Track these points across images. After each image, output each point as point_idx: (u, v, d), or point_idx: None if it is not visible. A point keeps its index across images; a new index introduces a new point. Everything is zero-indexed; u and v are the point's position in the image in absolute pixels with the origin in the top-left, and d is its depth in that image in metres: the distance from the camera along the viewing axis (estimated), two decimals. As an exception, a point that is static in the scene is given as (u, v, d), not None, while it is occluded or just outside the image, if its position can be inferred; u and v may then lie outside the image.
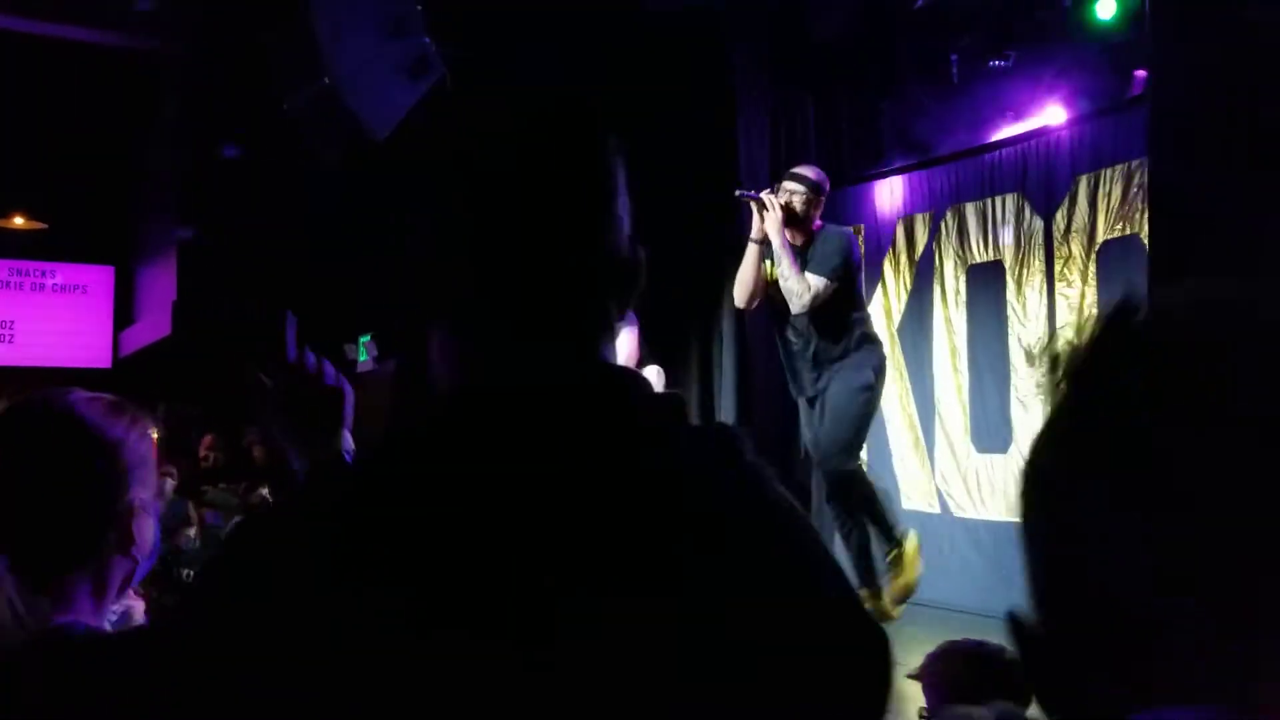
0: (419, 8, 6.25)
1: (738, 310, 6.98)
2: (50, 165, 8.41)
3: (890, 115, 6.79)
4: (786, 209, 4.72)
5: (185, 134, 7.64)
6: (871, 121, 6.90)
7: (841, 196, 6.68)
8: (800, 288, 4.65)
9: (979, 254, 6.06)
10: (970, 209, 6.10)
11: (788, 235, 4.71)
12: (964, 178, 6.17)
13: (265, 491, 7.00)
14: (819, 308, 4.67)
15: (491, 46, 6.73)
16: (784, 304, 4.77)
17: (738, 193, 4.98)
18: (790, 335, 4.89)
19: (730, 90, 6.86)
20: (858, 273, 4.91)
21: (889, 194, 6.62)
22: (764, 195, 4.79)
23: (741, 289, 4.91)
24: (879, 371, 4.80)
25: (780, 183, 4.88)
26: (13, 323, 9.39)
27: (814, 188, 4.82)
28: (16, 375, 9.51)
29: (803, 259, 4.71)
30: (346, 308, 7.65)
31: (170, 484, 7.45)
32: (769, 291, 4.86)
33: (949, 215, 6.22)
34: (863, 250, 5.60)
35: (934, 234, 6.31)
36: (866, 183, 6.75)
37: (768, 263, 4.82)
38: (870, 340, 4.85)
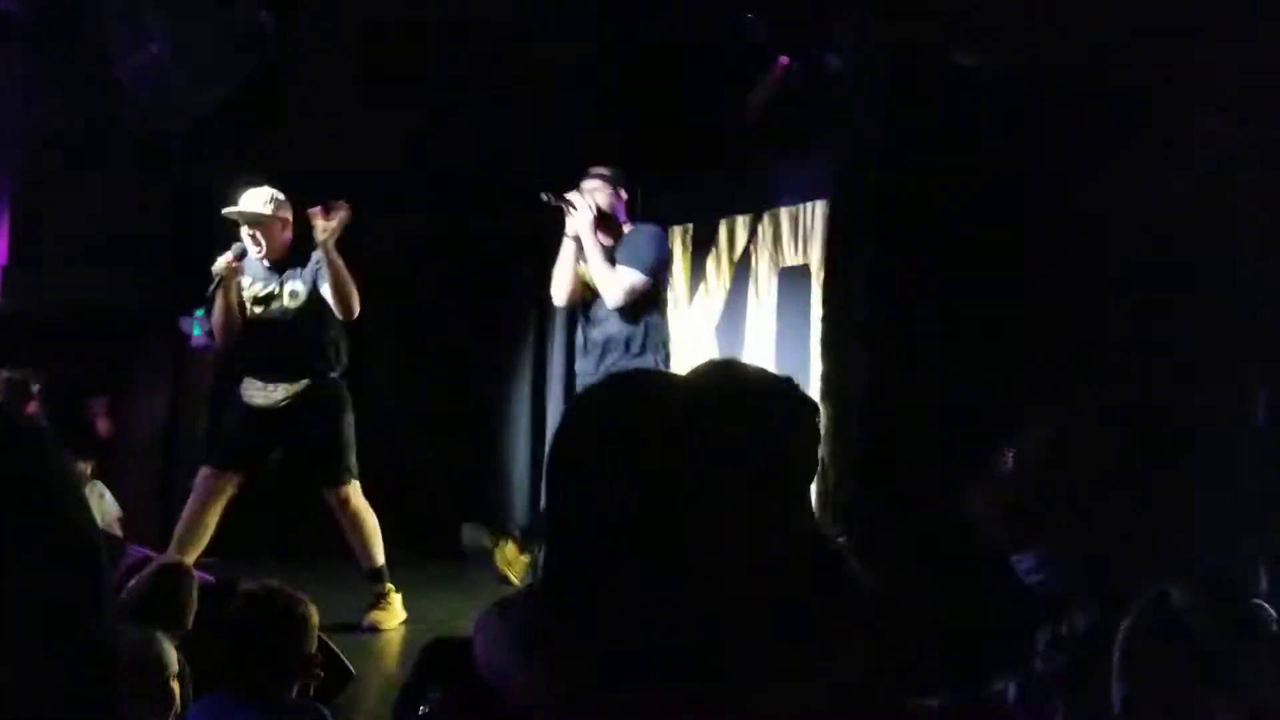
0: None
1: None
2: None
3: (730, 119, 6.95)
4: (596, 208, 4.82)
5: (26, 96, 7.52)
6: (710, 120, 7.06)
7: (673, 195, 6.85)
8: (611, 279, 4.73)
9: (791, 257, 6.26)
10: (784, 213, 6.30)
11: (600, 236, 4.80)
12: (781, 181, 6.36)
13: (85, 465, 6.93)
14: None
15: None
16: (590, 300, 4.89)
17: (543, 196, 4.98)
18: (585, 328, 5.00)
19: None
20: (664, 270, 5.05)
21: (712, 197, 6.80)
22: (569, 195, 4.86)
23: (558, 286, 4.98)
24: None
25: (581, 183, 4.98)
26: None
27: (612, 181, 4.94)
28: None
29: (614, 256, 4.80)
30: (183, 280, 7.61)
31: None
32: (583, 291, 4.94)
33: (766, 218, 6.42)
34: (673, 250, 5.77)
35: (752, 235, 6.50)
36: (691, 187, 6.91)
37: (582, 263, 4.91)
38: (659, 346, 4.85)
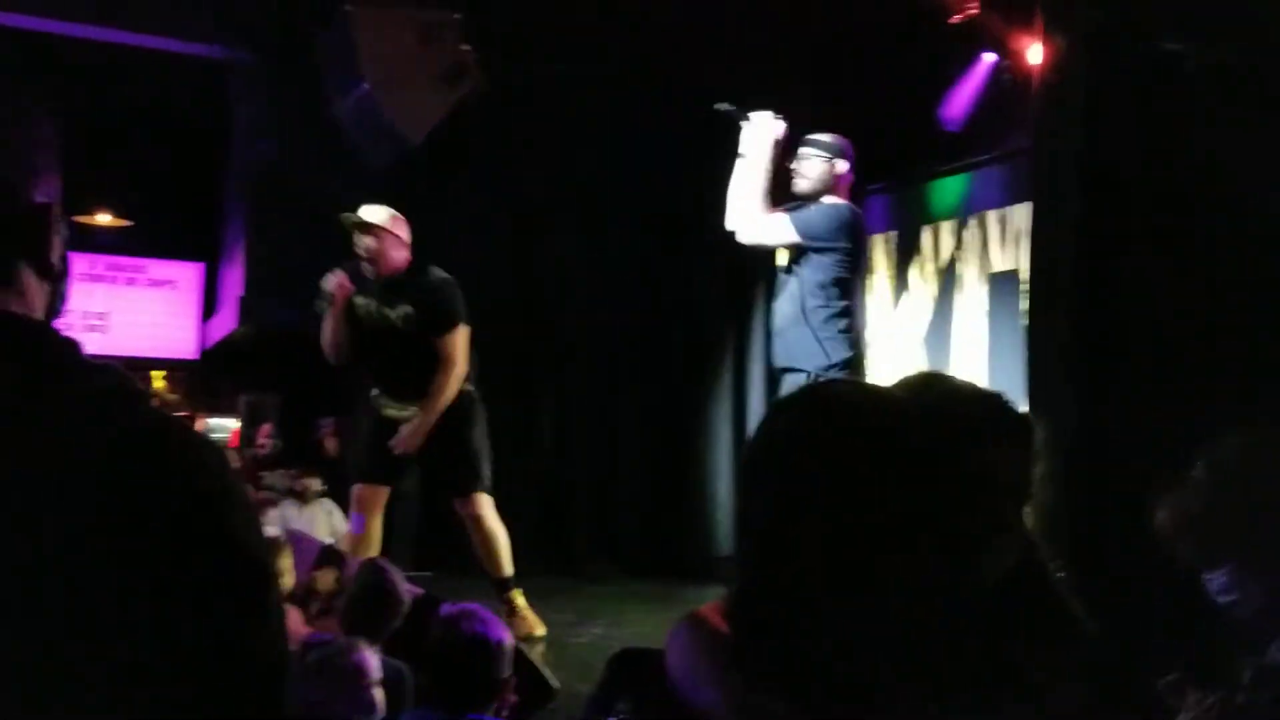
0: (456, 15, 6.49)
1: (767, 302, 7.01)
2: (133, 166, 8.96)
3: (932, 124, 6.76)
4: (792, 175, 4.33)
5: (252, 138, 8.05)
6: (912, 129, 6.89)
7: (870, 203, 6.71)
8: (745, 208, 4.29)
9: (1001, 263, 6.01)
10: (992, 216, 6.06)
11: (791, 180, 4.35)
12: (988, 184, 6.13)
13: (313, 481, 7.31)
14: (803, 273, 4.26)
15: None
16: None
17: (718, 106, 4.55)
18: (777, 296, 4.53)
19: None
20: (853, 254, 4.38)
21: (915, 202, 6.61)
22: (771, 126, 4.37)
23: (737, 206, 4.46)
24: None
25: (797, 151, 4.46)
26: (107, 314, 9.99)
27: (828, 151, 4.38)
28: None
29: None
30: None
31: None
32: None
33: (972, 223, 6.19)
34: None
35: (958, 242, 6.28)
36: (892, 192, 6.74)
37: None
38: (844, 333, 4.28)
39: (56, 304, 0.98)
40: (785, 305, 4.40)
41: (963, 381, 1.63)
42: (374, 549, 4.95)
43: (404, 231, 5.09)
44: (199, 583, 0.80)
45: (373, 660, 2.56)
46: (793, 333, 4.32)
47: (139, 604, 0.77)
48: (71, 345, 0.88)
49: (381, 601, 3.01)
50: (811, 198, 4.33)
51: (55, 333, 0.89)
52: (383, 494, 5.06)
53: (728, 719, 1.15)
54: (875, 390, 1.42)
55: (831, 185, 4.34)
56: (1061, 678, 1.36)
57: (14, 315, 0.88)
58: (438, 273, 4.97)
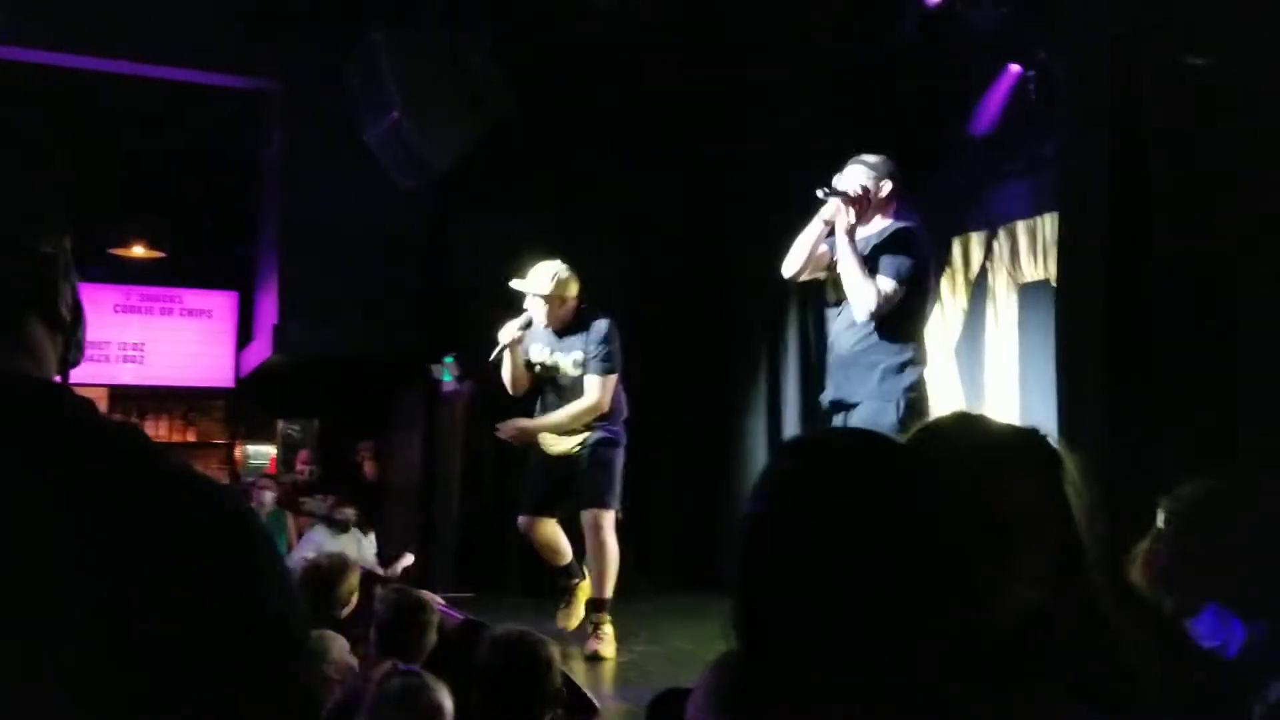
0: (483, 39, 6.57)
1: (801, 318, 7.02)
2: (168, 198, 9.08)
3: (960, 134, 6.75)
4: (859, 199, 4.24)
5: (283, 166, 8.15)
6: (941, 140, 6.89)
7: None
8: (862, 287, 4.14)
9: (1030, 273, 5.99)
10: (1021, 227, 6.04)
11: (855, 225, 4.25)
12: (1018, 195, 6.11)
13: (351, 511, 7.38)
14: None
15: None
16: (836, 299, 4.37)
17: (819, 192, 4.35)
18: (832, 333, 4.47)
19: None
20: (922, 277, 4.31)
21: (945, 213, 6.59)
22: (839, 187, 4.26)
23: (793, 258, 4.44)
24: (903, 415, 4.06)
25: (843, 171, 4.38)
26: (143, 344, 10.11)
27: (876, 171, 4.32)
28: (146, 394, 10.25)
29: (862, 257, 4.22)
30: (431, 330, 8.02)
31: (270, 496, 7.94)
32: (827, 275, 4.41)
33: (1001, 234, 6.17)
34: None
35: (988, 253, 6.26)
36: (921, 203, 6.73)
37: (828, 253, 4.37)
38: (910, 369, 4.23)
39: (72, 354, 0.96)
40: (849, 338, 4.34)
41: (987, 422, 1.61)
42: (565, 553, 5.45)
43: (570, 289, 5.38)
44: (220, 649, 0.78)
45: (448, 702, 2.57)
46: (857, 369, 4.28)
47: (157, 671, 0.75)
48: (87, 406, 0.85)
49: (408, 622, 3.01)
50: (861, 217, 4.28)
51: (69, 393, 0.86)
52: (546, 524, 5.43)
53: None
54: (882, 438, 1.44)
55: (877, 205, 4.31)
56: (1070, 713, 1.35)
57: (25, 378, 0.86)
58: (600, 323, 5.31)
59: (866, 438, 1.51)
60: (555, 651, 2.59)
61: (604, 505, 5.18)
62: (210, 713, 0.77)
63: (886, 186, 4.33)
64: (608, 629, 5.08)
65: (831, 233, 4.32)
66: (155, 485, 0.81)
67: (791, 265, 4.47)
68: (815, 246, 4.38)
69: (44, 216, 0.93)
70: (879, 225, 4.34)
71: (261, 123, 8.70)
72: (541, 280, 5.33)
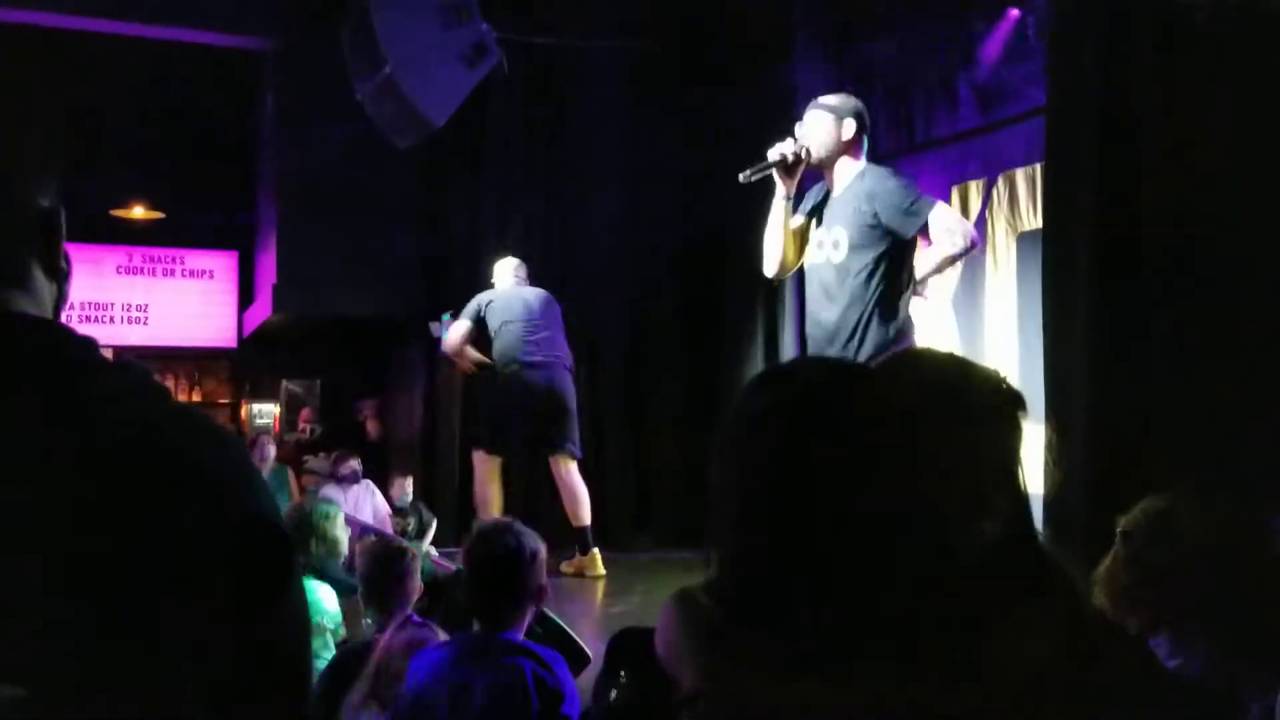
0: (475, -5, 6.50)
1: (799, 269, 6.80)
2: (166, 159, 9.06)
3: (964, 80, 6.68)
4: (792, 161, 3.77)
5: (281, 126, 8.12)
6: (940, 89, 6.82)
7: (896, 165, 6.67)
8: (943, 234, 3.60)
9: (1029, 221, 5.95)
10: (1020, 175, 6.00)
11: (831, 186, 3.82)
12: (1016, 142, 6.06)
13: (355, 462, 7.40)
14: (859, 273, 3.69)
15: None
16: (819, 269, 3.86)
17: (741, 177, 3.89)
18: (819, 312, 3.90)
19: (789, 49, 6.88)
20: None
21: (944, 161, 6.55)
22: (781, 148, 3.79)
23: (770, 256, 3.96)
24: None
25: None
26: (147, 306, 10.13)
27: (837, 113, 3.86)
28: (152, 355, 10.29)
29: (846, 205, 3.77)
30: (429, 287, 8.02)
31: (271, 451, 7.98)
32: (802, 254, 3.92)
33: (1000, 182, 6.13)
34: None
35: (986, 201, 6.22)
36: (921, 151, 6.69)
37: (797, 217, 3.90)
38: (907, 334, 3.79)
39: (60, 303, 1.00)
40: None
41: (956, 359, 1.60)
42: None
43: None
44: (217, 566, 0.80)
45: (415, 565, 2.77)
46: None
47: (155, 597, 0.77)
48: (90, 344, 0.90)
49: (388, 571, 3.00)
50: (825, 163, 3.87)
51: (72, 332, 0.90)
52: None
53: (703, 692, 1.18)
54: (854, 369, 1.43)
55: (841, 149, 3.85)
56: (1037, 635, 1.36)
57: (32, 316, 0.91)
58: None
59: (838, 369, 1.51)
60: (542, 546, 2.54)
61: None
62: (189, 644, 0.78)
63: (850, 126, 3.86)
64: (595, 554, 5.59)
65: (797, 205, 3.93)
66: (152, 418, 0.85)
67: (771, 264, 4.02)
68: (785, 234, 3.93)
69: (46, 171, 0.98)
70: (852, 169, 3.87)
71: (258, 83, 8.66)
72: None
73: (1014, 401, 1.52)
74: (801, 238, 3.95)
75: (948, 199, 6.44)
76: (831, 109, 3.89)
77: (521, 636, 2.42)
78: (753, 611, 1.24)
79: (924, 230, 3.72)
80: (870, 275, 3.72)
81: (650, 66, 7.25)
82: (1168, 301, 2.75)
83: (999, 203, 6.11)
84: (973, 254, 3.91)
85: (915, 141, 6.65)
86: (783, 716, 1.17)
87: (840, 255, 3.80)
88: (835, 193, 3.88)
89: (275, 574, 0.85)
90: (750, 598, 1.24)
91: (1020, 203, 5.98)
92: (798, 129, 3.90)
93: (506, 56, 6.65)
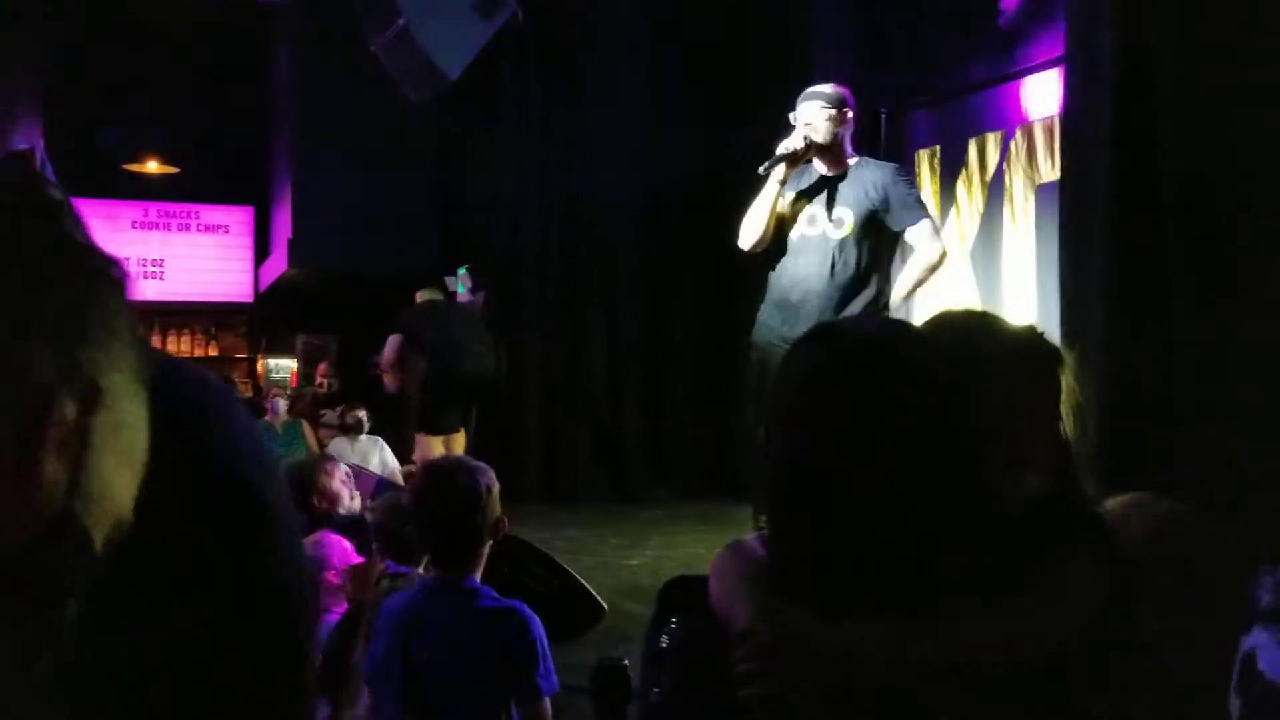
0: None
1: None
2: (181, 113, 9.05)
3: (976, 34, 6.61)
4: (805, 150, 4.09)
5: (295, 80, 8.08)
6: (958, 40, 6.74)
7: (914, 117, 6.64)
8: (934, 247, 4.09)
9: (1047, 173, 5.90)
10: (1039, 126, 5.94)
11: (822, 167, 4.15)
12: (1034, 94, 5.99)
13: (361, 413, 7.44)
14: (855, 248, 4.09)
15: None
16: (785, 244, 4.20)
17: (761, 170, 4.18)
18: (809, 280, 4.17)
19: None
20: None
21: (962, 112, 6.49)
22: (790, 143, 4.10)
23: (751, 229, 4.22)
24: None
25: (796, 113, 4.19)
26: (163, 260, 10.16)
27: (833, 102, 4.14)
28: (168, 310, 10.32)
29: (835, 194, 4.12)
30: (444, 242, 8.02)
31: (283, 405, 8.01)
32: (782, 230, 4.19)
33: (1019, 134, 6.07)
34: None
35: (1004, 153, 6.17)
36: (941, 102, 6.63)
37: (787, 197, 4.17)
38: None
39: None
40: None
41: (995, 317, 1.62)
42: None
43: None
44: (190, 523, 0.82)
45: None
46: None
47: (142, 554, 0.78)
48: None
49: (401, 523, 2.99)
50: (827, 149, 4.15)
51: None
52: None
53: (753, 633, 1.22)
54: (900, 326, 1.45)
55: (842, 136, 4.18)
56: (1077, 584, 1.38)
57: None
58: None
59: (892, 326, 1.53)
60: (491, 477, 2.39)
61: None
62: (169, 588, 0.80)
63: (847, 113, 4.18)
64: None
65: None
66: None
67: (749, 238, 4.22)
68: (772, 215, 4.17)
69: (18, 114, 0.97)
70: (849, 153, 4.21)
71: (272, 37, 8.62)
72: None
73: (1051, 357, 1.54)
74: (782, 218, 4.24)
75: (965, 151, 6.40)
76: (827, 98, 4.19)
77: (479, 576, 2.31)
78: (800, 560, 1.28)
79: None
80: (863, 251, 4.12)
81: (671, 17, 7.18)
82: (1187, 257, 2.73)
83: (1017, 155, 6.06)
84: (941, 269, 4.27)
85: (938, 91, 6.58)
86: (831, 651, 1.21)
87: (841, 233, 4.16)
88: (833, 174, 4.20)
89: (247, 528, 0.85)
90: (797, 548, 1.29)
91: (1038, 154, 5.92)
92: (794, 119, 4.18)
93: (521, 6, 6.61)
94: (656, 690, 1.44)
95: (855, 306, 4.12)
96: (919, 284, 4.25)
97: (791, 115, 4.19)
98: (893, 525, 1.21)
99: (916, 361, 1.28)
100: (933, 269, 4.21)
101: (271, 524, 0.89)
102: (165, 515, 0.78)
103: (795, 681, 1.20)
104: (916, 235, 4.17)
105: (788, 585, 1.27)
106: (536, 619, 2.23)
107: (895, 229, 4.17)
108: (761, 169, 4.15)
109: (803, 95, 4.24)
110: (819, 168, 4.21)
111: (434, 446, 6.00)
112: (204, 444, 0.86)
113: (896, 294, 4.28)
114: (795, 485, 1.28)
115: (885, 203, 4.13)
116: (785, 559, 1.30)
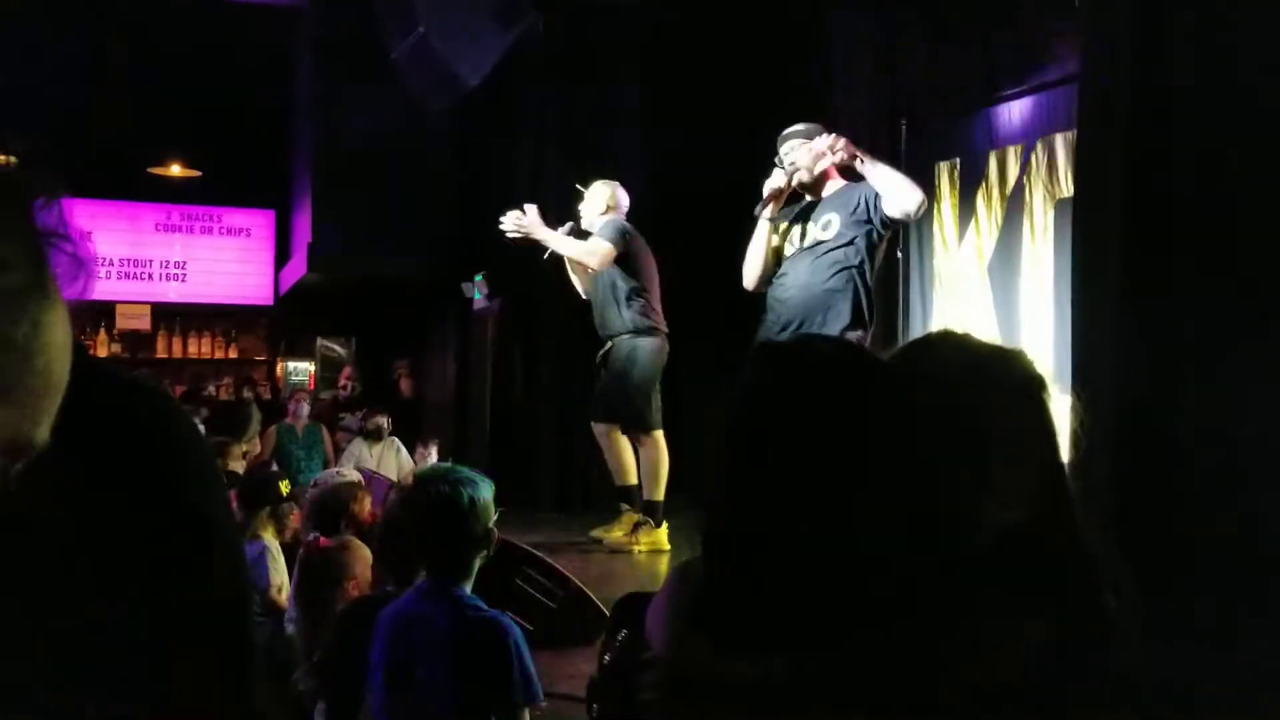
0: (510, -44, 6.45)
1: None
2: (204, 117, 9.10)
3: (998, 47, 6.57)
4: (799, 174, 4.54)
5: (317, 86, 8.13)
6: (979, 52, 6.71)
7: (934, 129, 6.60)
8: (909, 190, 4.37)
9: (1068, 187, 5.86)
10: (1060, 140, 5.89)
11: (809, 198, 4.59)
12: (1055, 107, 5.95)
13: (383, 419, 7.47)
14: (843, 245, 4.44)
15: None
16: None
17: (756, 213, 4.70)
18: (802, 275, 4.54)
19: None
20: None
21: (981, 125, 6.45)
22: (775, 181, 4.57)
23: (751, 269, 4.70)
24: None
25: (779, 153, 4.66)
26: (185, 263, 10.23)
27: (808, 136, 4.59)
28: (189, 311, 10.40)
29: (824, 209, 4.51)
30: (461, 248, 8.03)
31: (305, 408, 8.06)
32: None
33: (1039, 147, 6.03)
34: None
35: (1024, 167, 6.12)
36: (963, 114, 6.59)
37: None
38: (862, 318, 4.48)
39: None
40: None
41: (971, 340, 1.54)
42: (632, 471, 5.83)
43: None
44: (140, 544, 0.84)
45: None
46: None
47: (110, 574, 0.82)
48: None
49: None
50: (814, 183, 4.56)
51: None
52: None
53: (664, 659, 1.22)
54: (858, 351, 1.42)
55: (825, 166, 4.55)
56: (1026, 631, 1.30)
57: None
58: None
59: (845, 349, 1.49)
60: (483, 487, 2.34)
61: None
62: (120, 600, 0.83)
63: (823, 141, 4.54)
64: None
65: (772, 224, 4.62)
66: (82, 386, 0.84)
67: (750, 277, 4.69)
68: (767, 251, 4.61)
69: None
70: (836, 180, 4.61)
71: (294, 42, 8.67)
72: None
73: (1028, 381, 1.45)
74: (777, 253, 4.64)
75: (985, 165, 6.36)
76: (805, 134, 4.60)
77: (469, 586, 2.30)
78: (730, 587, 1.24)
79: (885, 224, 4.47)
80: (849, 251, 4.42)
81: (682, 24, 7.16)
82: (1198, 273, 2.69)
83: (1037, 168, 6.01)
84: (915, 196, 4.44)
85: (959, 104, 6.55)
86: (718, 691, 1.18)
87: (829, 234, 4.48)
88: (822, 199, 4.57)
89: (193, 548, 0.89)
90: (730, 573, 1.25)
91: (1059, 169, 5.88)
92: (779, 160, 4.61)
93: (541, 15, 6.62)
94: (595, 705, 1.45)
95: (841, 308, 4.38)
96: (896, 182, 4.41)
97: (775, 159, 4.62)
98: (813, 560, 1.17)
99: (877, 388, 1.25)
100: (911, 188, 4.40)
101: (211, 539, 0.92)
102: (97, 519, 0.82)
103: (687, 715, 1.18)
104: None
105: (707, 615, 1.24)
106: (517, 630, 2.23)
107: (887, 212, 4.40)
108: (756, 210, 4.58)
109: (781, 137, 4.69)
110: (808, 198, 4.61)
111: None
112: (144, 463, 0.88)
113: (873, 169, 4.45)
114: (718, 516, 1.26)
115: (874, 197, 4.41)
116: (712, 587, 1.26)
